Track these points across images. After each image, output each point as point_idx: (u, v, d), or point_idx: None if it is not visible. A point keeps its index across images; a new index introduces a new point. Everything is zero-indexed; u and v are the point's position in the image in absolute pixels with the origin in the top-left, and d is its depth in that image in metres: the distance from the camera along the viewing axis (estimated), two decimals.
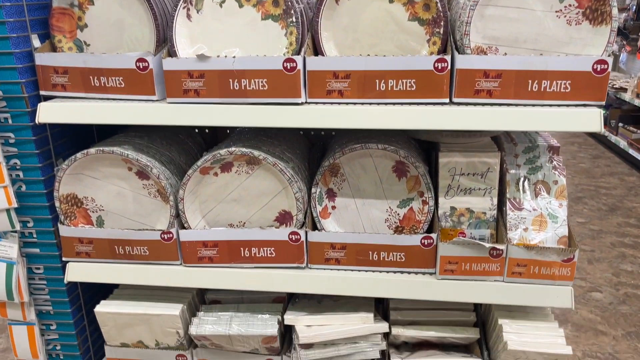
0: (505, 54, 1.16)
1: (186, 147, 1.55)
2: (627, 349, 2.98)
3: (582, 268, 3.84)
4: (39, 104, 1.27)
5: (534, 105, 1.15)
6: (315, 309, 1.45)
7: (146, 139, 1.44)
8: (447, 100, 1.17)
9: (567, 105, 1.15)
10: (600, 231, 4.45)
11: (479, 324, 1.48)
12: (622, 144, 5.89)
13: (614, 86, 5.90)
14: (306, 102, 1.21)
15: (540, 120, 1.13)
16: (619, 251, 4.11)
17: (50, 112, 1.26)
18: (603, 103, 1.14)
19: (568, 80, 1.13)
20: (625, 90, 5.80)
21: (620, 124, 5.93)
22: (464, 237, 1.33)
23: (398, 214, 1.37)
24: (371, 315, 1.39)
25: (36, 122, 1.27)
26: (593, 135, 7.39)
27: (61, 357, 1.55)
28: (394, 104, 1.18)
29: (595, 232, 4.42)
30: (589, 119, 1.12)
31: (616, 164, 6.30)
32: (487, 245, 1.26)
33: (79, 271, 1.40)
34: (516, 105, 1.16)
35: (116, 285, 1.57)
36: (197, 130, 1.70)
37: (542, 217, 1.32)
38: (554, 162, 1.36)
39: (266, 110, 1.20)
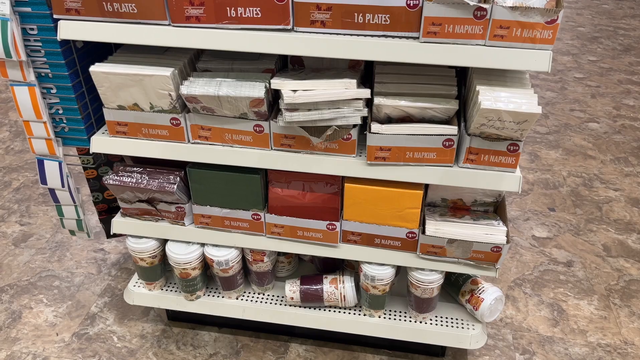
0: None
1: None
2: (613, 171, 3.10)
3: (584, 101, 3.85)
4: None
5: None
6: (301, 78, 1.49)
7: None
8: None
9: None
10: (610, 69, 4.37)
11: (460, 100, 1.53)
12: None
13: None
14: None
15: None
16: (625, 87, 4.07)
17: None
18: None
19: None
20: None
21: None
22: None
23: None
24: (354, 81, 1.44)
25: None
26: None
27: (64, 121, 1.65)
28: None
29: (604, 70, 4.34)
30: None
31: None
32: (472, 3, 1.26)
33: (70, 29, 1.43)
34: None
35: (111, 53, 1.61)
36: None
37: None
38: None
39: None
